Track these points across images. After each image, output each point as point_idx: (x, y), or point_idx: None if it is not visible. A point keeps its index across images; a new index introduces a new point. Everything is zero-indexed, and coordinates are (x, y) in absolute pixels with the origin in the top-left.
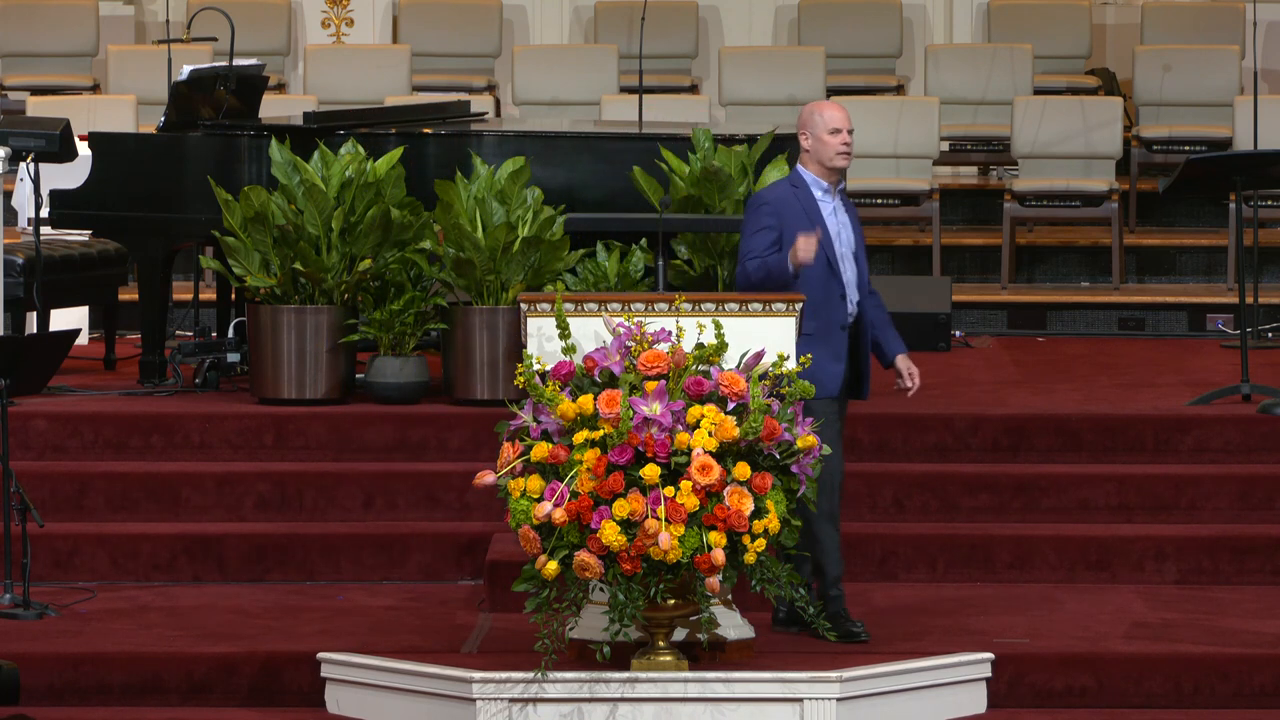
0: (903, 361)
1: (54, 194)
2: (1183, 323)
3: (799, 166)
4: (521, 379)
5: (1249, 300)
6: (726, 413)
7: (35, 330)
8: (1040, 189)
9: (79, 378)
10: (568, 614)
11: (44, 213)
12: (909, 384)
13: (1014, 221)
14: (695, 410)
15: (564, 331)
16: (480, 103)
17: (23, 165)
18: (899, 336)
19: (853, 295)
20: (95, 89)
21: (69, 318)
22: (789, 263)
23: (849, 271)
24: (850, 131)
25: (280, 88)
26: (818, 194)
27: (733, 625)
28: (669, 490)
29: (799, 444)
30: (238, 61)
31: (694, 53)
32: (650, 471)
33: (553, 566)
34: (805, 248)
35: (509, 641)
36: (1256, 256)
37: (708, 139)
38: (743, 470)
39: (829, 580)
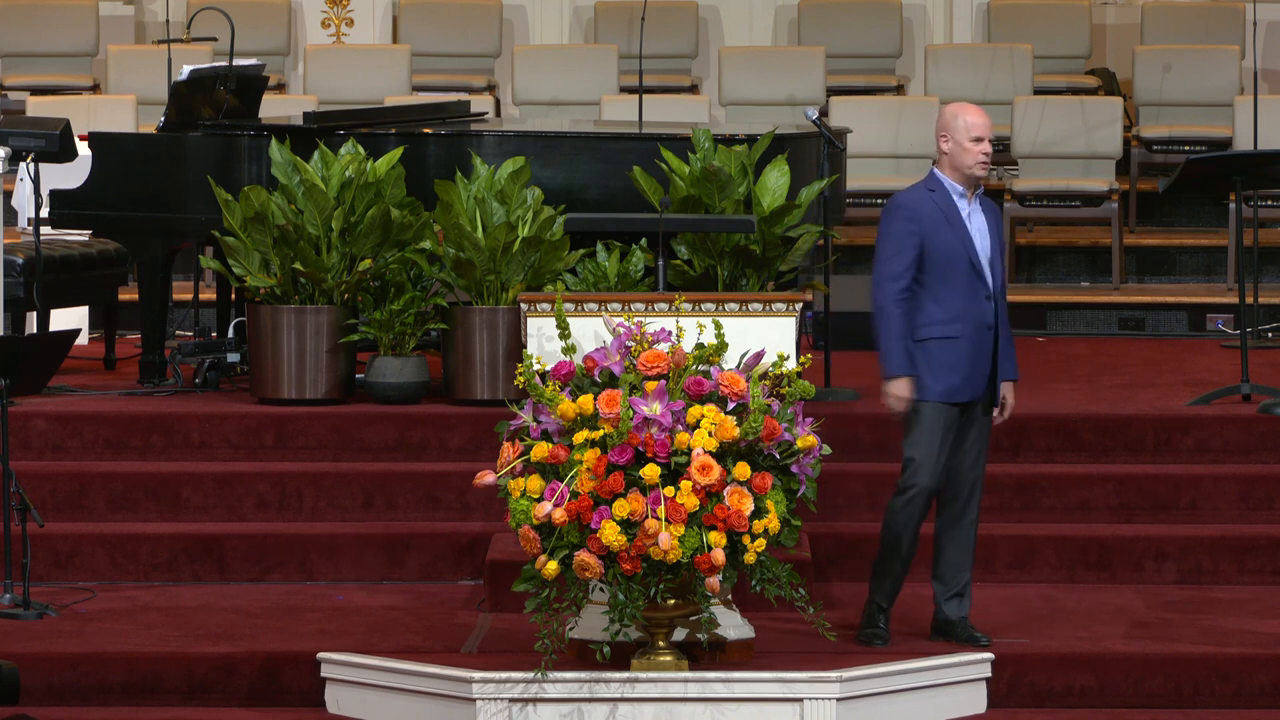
0: (1006, 389)
1: (54, 194)
2: (1183, 323)
3: (935, 170)
4: (521, 379)
5: (1249, 300)
6: (726, 413)
7: (35, 330)
8: (1040, 189)
9: (79, 378)
10: (568, 614)
11: (44, 213)
12: (997, 414)
13: (1014, 221)
14: (695, 410)
15: (564, 331)
16: (480, 103)
17: (23, 165)
18: (1014, 359)
19: (992, 300)
20: (95, 89)
21: (69, 318)
22: (888, 368)
23: (989, 274)
24: (991, 141)
25: (280, 88)
26: (955, 198)
27: (733, 625)
28: (669, 490)
29: (799, 444)
30: (238, 61)
31: (694, 53)
32: (650, 471)
33: (553, 566)
34: (893, 402)
35: (509, 641)
36: (1256, 256)
37: (708, 139)
38: (743, 470)
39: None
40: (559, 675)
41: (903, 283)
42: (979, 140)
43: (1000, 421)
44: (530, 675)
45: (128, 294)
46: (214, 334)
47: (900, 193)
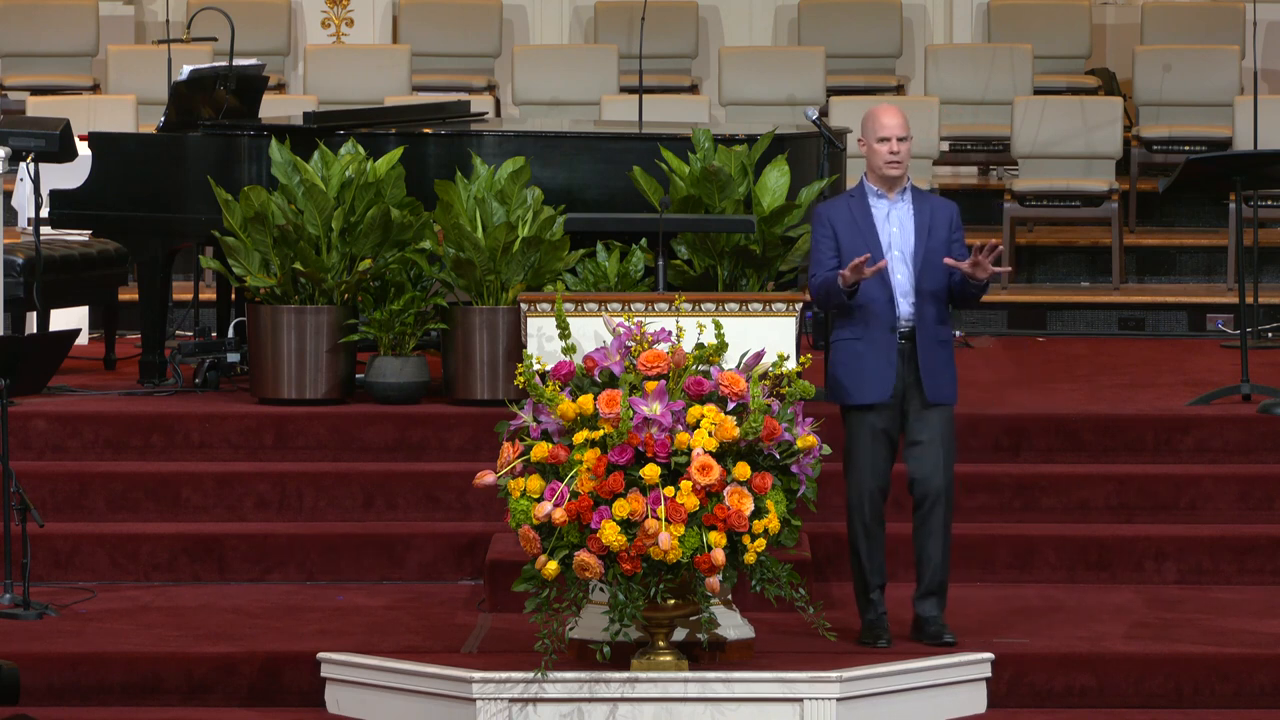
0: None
1: (54, 194)
2: (1183, 323)
3: (864, 172)
4: (521, 379)
5: (1249, 300)
6: (726, 413)
7: (35, 330)
8: (1040, 189)
9: (79, 378)
10: (568, 614)
11: (44, 213)
12: (969, 265)
13: (1014, 221)
14: (695, 410)
15: (564, 331)
16: (480, 103)
17: (23, 165)
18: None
19: (904, 299)
20: (95, 89)
21: (69, 318)
22: (840, 281)
23: (900, 276)
24: (902, 139)
25: (280, 88)
26: (872, 200)
27: (733, 625)
28: (669, 490)
29: (799, 444)
30: (238, 61)
31: (694, 53)
32: (650, 471)
33: (553, 566)
34: (853, 267)
35: (509, 641)
36: (1256, 256)
37: (708, 139)
38: (743, 470)
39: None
40: (559, 675)
41: (821, 278)
42: (884, 140)
43: (992, 253)
44: (530, 675)
45: (128, 294)
46: (214, 334)
47: (823, 202)
